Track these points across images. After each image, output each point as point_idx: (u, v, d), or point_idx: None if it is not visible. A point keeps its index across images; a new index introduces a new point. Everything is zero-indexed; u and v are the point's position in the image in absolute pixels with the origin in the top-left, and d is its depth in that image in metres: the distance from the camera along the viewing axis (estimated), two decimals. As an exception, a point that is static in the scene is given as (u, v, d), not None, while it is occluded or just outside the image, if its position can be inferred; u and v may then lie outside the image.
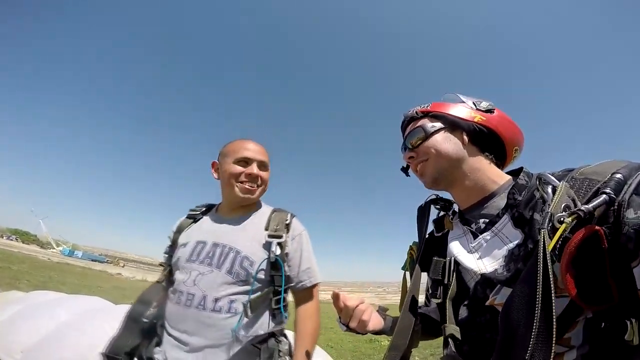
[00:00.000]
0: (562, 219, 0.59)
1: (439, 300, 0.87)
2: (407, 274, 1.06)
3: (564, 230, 0.59)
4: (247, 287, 1.27)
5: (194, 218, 1.50)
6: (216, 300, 1.23)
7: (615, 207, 0.58)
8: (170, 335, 1.25)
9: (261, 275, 1.30)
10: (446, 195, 1.05)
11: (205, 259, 1.31)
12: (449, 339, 0.81)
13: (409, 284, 1.02)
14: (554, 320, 0.51)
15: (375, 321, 0.98)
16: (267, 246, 1.33)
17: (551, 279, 0.53)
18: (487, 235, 0.83)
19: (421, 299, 1.09)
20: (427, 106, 1.00)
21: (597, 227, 0.57)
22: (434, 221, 1.06)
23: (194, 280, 1.27)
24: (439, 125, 0.95)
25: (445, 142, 0.93)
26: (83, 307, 2.77)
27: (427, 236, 1.03)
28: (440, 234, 1.02)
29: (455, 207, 1.02)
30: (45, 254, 57.49)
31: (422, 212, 1.06)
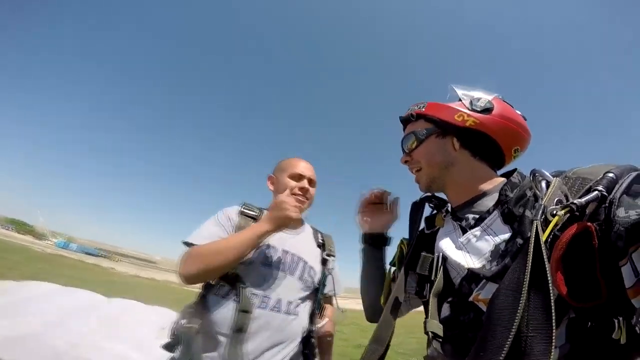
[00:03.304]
0: (554, 212, 0.60)
1: (425, 299, 0.86)
2: (392, 269, 1.08)
3: (556, 224, 0.59)
4: (308, 293, 1.45)
5: (253, 218, 1.51)
6: (289, 303, 1.36)
7: (607, 205, 0.58)
8: (228, 336, 1.25)
9: (318, 285, 1.49)
10: (440, 194, 1.05)
11: (279, 264, 1.41)
12: (433, 338, 0.80)
13: (392, 278, 1.05)
14: (552, 307, 0.50)
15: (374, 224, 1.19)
16: (323, 262, 1.56)
17: (547, 266, 0.52)
18: (476, 231, 0.82)
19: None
20: (422, 107, 0.98)
21: (588, 224, 0.57)
22: (426, 218, 1.05)
23: (270, 283, 1.36)
24: (430, 130, 0.95)
25: (435, 151, 0.94)
26: (72, 301, 2.76)
27: (417, 233, 1.03)
28: (430, 232, 1.01)
29: (449, 206, 1.01)
30: (40, 245, 57.15)
31: (416, 208, 1.06)
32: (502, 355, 0.50)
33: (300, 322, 1.38)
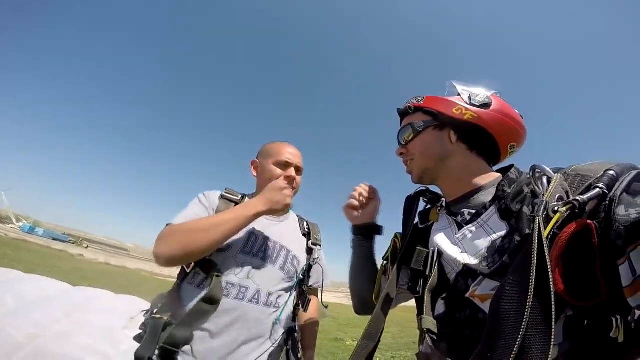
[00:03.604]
0: (556, 208, 0.60)
1: (419, 294, 0.86)
2: (384, 262, 1.07)
3: (557, 221, 0.59)
4: (290, 284, 1.38)
5: (235, 203, 1.41)
6: (269, 295, 1.28)
7: (607, 202, 0.58)
8: (204, 329, 1.16)
9: (301, 275, 1.42)
10: (435, 188, 1.05)
11: (259, 253, 1.34)
12: (426, 334, 0.78)
13: (384, 272, 1.04)
14: (553, 307, 0.50)
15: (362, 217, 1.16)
16: (309, 251, 1.51)
17: (548, 266, 0.52)
18: (472, 226, 0.82)
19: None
20: (420, 100, 0.99)
21: (589, 221, 0.57)
22: (420, 213, 1.05)
23: (248, 273, 1.27)
24: (428, 123, 0.95)
25: (431, 142, 0.95)
26: (35, 289, 2.63)
27: (411, 227, 1.03)
28: (424, 226, 1.01)
29: (443, 201, 1.02)
30: (3, 229, 54.59)
31: (411, 203, 1.07)
32: (512, 356, 0.49)
33: (282, 314, 1.31)
